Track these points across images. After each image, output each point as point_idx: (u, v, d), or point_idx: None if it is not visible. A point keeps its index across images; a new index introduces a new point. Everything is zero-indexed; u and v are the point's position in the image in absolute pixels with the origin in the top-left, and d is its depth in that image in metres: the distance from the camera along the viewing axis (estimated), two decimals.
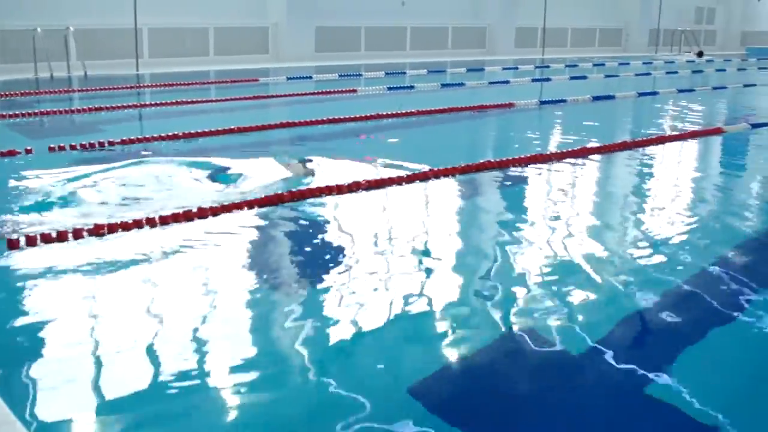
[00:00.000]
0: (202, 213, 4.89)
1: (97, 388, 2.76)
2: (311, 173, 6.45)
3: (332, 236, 4.71)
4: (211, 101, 11.58)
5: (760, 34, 33.77)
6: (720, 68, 22.08)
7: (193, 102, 11.03)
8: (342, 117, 9.44)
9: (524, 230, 4.98)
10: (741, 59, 26.88)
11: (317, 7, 19.42)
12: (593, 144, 8.02)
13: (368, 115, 9.73)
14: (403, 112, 10.12)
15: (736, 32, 34.00)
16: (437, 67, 18.32)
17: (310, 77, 15.30)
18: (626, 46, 28.98)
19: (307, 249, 4.49)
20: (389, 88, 13.42)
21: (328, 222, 5.01)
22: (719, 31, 33.51)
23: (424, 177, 6.21)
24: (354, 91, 12.96)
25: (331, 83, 14.27)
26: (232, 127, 8.39)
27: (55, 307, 3.50)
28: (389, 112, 9.96)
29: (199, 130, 8.10)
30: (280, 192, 5.48)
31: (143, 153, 7.04)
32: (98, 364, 2.95)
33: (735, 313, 3.61)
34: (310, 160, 6.89)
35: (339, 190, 5.62)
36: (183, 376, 2.87)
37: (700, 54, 27.07)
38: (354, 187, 5.71)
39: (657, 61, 23.55)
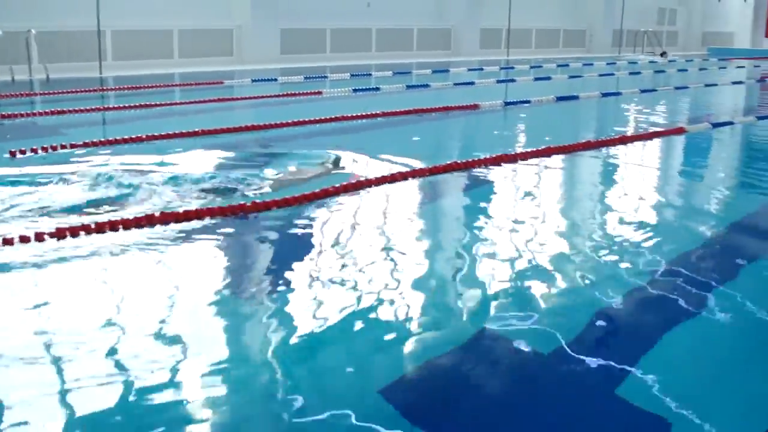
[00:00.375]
0: (166, 217, 4.87)
1: (57, 397, 2.74)
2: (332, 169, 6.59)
3: (300, 241, 4.70)
4: (176, 104, 11.51)
5: (720, 35, 34.26)
6: (682, 68, 22.34)
7: (157, 105, 10.95)
8: (307, 119, 9.43)
9: (492, 231, 5.00)
10: (702, 59, 27.21)
11: (282, 8, 19.38)
12: (557, 144, 8.06)
13: (334, 117, 9.73)
14: (369, 113, 10.13)
15: (697, 33, 34.44)
16: (403, 68, 18.35)
17: (275, 79, 15.26)
18: (590, 46, 29.22)
19: (276, 255, 4.48)
20: (355, 90, 13.42)
21: (297, 226, 4.99)
22: (681, 32, 33.91)
23: (392, 179, 6.20)
24: (319, 93, 12.94)
25: (296, 85, 14.24)
26: (197, 129, 8.35)
27: (15, 311, 3.46)
28: (355, 114, 9.96)
29: (163, 133, 8.05)
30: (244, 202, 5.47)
31: (107, 156, 6.98)
32: (59, 372, 2.92)
33: (700, 310, 3.66)
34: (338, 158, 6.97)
35: (306, 198, 5.57)
36: (149, 379, 2.85)
37: (663, 54, 27.43)
38: (321, 195, 5.66)
39: (620, 61, 23.77)
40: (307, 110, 10.58)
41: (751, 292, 3.92)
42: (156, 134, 7.98)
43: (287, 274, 4.05)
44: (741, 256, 4.56)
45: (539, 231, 4.99)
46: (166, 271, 4.12)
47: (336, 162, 7.00)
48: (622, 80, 18.17)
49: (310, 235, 4.77)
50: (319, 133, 8.88)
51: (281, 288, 3.85)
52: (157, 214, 4.87)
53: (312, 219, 5.10)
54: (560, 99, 12.77)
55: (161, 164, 6.55)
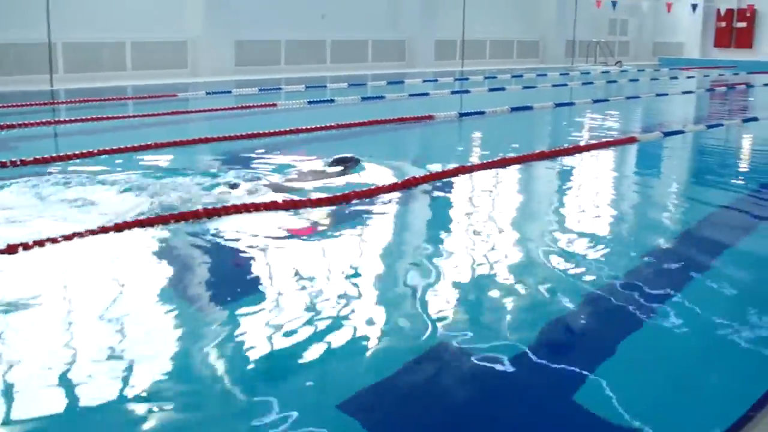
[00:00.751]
0: (119, 227, 4.83)
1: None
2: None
3: (255, 253, 4.67)
4: (129, 117, 11.41)
5: (670, 45, 34.83)
6: (634, 78, 22.65)
7: (109, 118, 10.85)
8: (262, 132, 9.38)
9: (449, 242, 5.02)
10: (654, 69, 27.63)
11: (236, 20, 19.31)
12: (512, 155, 8.12)
13: (289, 129, 9.71)
14: (324, 125, 10.12)
15: (648, 43, 35.02)
16: (358, 80, 18.38)
17: (230, 92, 15.19)
18: (543, 57, 29.52)
19: (228, 266, 4.45)
20: (310, 102, 13.41)
21: (251, 238, 4.96)
22: (632, 42, 34.44)
23: (345, 199, 6.02)
24: (274, 105, 12.91)
25: (250, 97, 14.19)
26: (149, 143, 8.26)
27: None
28: (309, 126, 9.95)
29: (115, 147, 7.95)
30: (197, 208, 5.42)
31: (58, 170, 6.89)
32: (6, 392, 2.87)
33: (654, 316, 3.71)
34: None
35: (256, 208, 5.54)
36: (101, 396, 2.81)
37: (618, 63, 28.05)
38: (271, 207, 5.63)
39: (573, 72, 24.06)
40: (261, 122, 10.54)
41: (702, 298, 3.98)
42: (108, 149, 7.88)
43: (239, 287, 4.02)
44: (693, 263, 4.63)
45: (496, 241, 5.02)
46: (125, 278, 4.08)
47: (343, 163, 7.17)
48: (575, 90, 18.38)
49: (262, 247, 4.75)
50: (274, 145, 8.85)
51: (238, 298, 3.82)
52: (111, 225, 4.82)
53: (264, 231, 5.08)
54: (515, 110, 12.87)
55: (113, 180, 6.47)
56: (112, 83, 16.16)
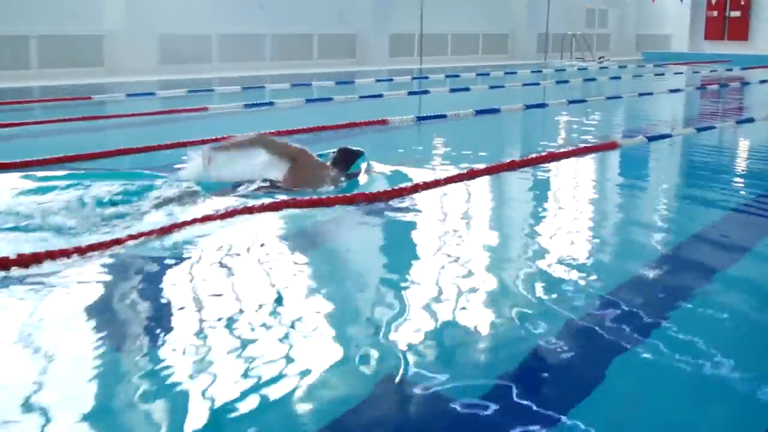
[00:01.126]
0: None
1: None
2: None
3: (203, 274, 4.63)
4: (33, 123, 11.26)
5: (656, 38, 35.34)
6: (615, 76, 22.95)
7: (8, 125, 10.69)
8: (192, 140, 9.30)
9: (413, 264, 5.02)
10: (637, 65, 28.00)
11: (161, 11, 19.20)
12: (478, 164, 8.12)
13: (222, 137, 9.63)
14: (264, 133, 10.07)
15: (630, 36, 35.50)
16: (302, 79, 18.37)
17: (154, 94, 15.10)
18: (513, 53, 29.78)
19: (175, 291, 4.40)
20: (246, 105, 13.36)
21: (193, 259, 4.90)
22: (613, 35, 34.88)
23: (285, 205, 6.08)
24: (205, 109, 12.84)
25: (178, 100, 14.11)
26: (60, 155, 8.13)
27: None
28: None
29: (16, 161, 7.81)
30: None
31: None
32: None
33: (643, 337, 3.76)
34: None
35: (194, 223, 5.50)
36: None
37: (601, 58, 28.49)
38: (207, 220, 5.59)
39: (547, 69, 24.29)
40: (191, 129, 10.48)
41: (694, 322, 4.02)
42: (8, 162, 7.75)
43: (187, 315, 3.97)
44: (683, 288, 4.66)
45: (466, 263, 4.99)
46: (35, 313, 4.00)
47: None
48: (548, 90, 18.56)
49: (211, 267, 4.69)
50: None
51: (184, 331, 3.78)
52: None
53: (209, 249, 5.03)
54: (480, 112, 12.93)
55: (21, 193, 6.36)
56: (14, 83, 15.95)
